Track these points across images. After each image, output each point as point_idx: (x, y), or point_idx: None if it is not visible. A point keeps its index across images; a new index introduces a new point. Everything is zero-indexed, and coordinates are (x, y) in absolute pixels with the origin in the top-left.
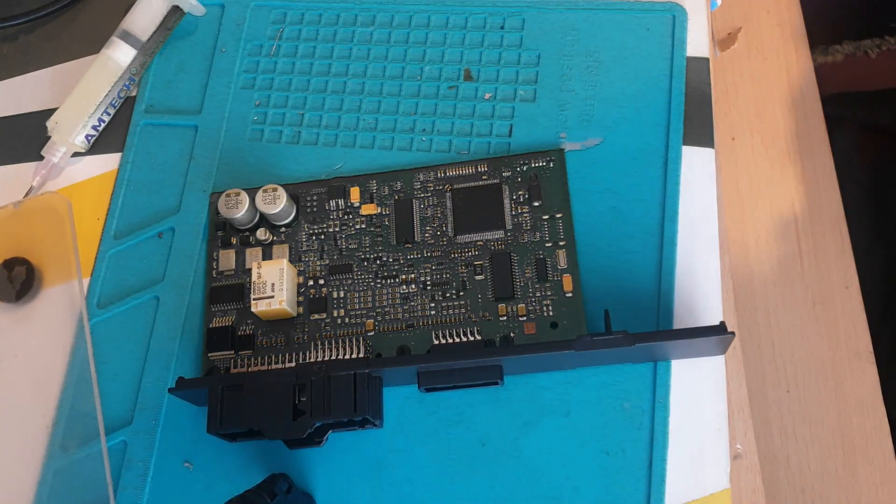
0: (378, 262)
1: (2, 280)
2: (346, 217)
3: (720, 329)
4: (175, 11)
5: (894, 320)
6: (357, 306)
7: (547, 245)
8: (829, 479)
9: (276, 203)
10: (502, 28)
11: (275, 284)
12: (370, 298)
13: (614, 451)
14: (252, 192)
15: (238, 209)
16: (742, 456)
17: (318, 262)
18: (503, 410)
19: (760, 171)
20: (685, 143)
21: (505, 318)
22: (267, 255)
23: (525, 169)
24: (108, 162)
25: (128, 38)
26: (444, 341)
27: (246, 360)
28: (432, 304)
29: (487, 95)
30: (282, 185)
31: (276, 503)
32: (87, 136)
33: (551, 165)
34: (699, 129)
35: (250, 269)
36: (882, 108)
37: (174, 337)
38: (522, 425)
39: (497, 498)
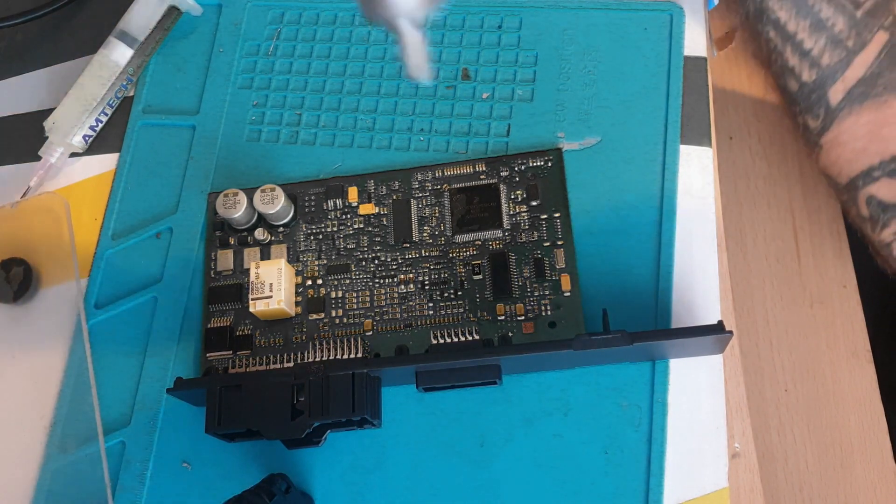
0: (376, 261)
1: None
2: (343, 217)
3: (718, 328)
4: (172, 11)
5: (892, 319)
6: (355, 306)
7: (545, 244)
8: (827, 478)
9: (274, 203)
10: (500, 28)
11: (273, 284)
12: (368, 298)
13: (613, 450)
14: (250, 192)
15: (236, 209)
16: (740, 455)
17: (317, 262)
18: (502, 410)
19: (758, 169)
20: (683, 143)
21: (503, 317)
22: (265, 255)
23: (523, 168)
24: (106, 162)
25: (125, 38)
26: (442, 341)
27: (244, 360)
28: (430, 304)
29: (485, 95)
30: (280, 185)
31: (275, 503)
32: (84, 137)
33: (549, 165)
34: (697, 128)
35: (248, 269)
36: None
37: (172, 337)
38: (521, 425)
39: (495, 497)
